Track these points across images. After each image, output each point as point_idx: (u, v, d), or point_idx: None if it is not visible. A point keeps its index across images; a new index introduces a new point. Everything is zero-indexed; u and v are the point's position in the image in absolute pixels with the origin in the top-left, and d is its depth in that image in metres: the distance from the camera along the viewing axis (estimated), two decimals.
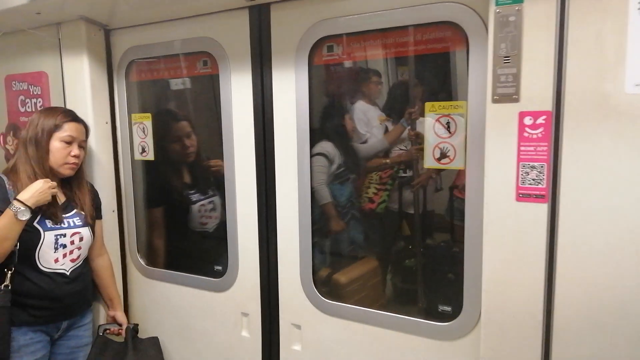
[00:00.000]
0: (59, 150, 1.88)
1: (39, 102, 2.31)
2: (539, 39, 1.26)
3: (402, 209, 2.16)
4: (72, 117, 1.95)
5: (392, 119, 1.98)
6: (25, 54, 2.30)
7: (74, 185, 2.00)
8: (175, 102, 2.36)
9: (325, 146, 2.01)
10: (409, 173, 2.11)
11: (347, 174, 2.13)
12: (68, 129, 1.90)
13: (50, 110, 1.95)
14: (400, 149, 2.04)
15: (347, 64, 1.84)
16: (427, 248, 2.10)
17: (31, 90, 2.32)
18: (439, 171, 1.89)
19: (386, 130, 2.03)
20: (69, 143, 1.90)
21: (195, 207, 2.38)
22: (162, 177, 2.43)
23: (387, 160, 2.11)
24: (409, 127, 1.86)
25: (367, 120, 2.10)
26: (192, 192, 2.41)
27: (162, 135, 2.32)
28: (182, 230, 2.43)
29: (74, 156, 1.90)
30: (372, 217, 2.18)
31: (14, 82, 2.37)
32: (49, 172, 1.87)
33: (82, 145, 1.97)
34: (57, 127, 1.88)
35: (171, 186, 2.44)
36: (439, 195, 2.02)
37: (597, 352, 1.28)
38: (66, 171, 1.91)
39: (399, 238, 2.25)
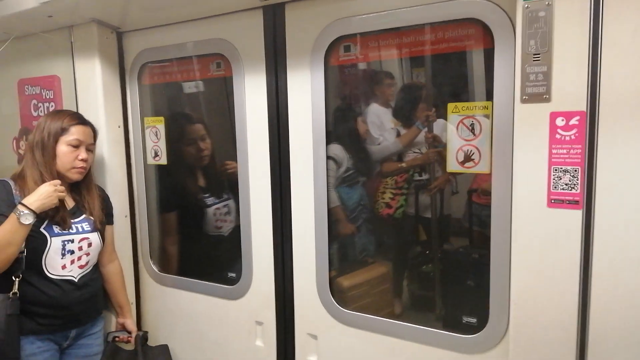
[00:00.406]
0: (65, 155, 1.84)
1: (52, 106, 2.29)
2: (571, 35, 1.18)
3: (419, 214, 2.09)
4: (79, 120, 1.91)
5: (406, 122, 1.91)
6: (37, 57, 2.28)
7: (82, 190, 1.96)
8: (189, 105, 2.32)
9: (334, 149, 1.96)
10: (425, 177, 2.05)
11: (356, 177, 2.07)
12: (75, 132, 1.86)
13: (57, 114, 1.91)
14: (415, 152, 1.98)
15: (362, 65, 1.78)
16: (445, 254, 2.03)
17: (44, 94, 2.30)
18: (455, 175, 1.81)
19: (398, 134, 1.97)
20: (76, 147, 1.86)
21: (211, 210, 2.33)
22: (176, 181, 2.39)
23: (403, 164, 2.05)
24: (425, 130, 1.79)
25: (381, 123, 2.04)
26: (207, 195, 2.36)
27: (177, 138, 2.29)
28: (196, 234, 2.39)
29: (82, 160, 1.86)
30: (390, 223, 2.11)
31: (27, 86, 2.35)
32: (57, 177, 1.83)
33: (91, 149, 1.92)
34: (63, 131, 1.84)
35: (185, 190, 2.40)
36: (455, 199, 1.95)
37: None
38: (74, 175, 1.87)
39: (416, 243, 2.18)
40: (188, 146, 2.29)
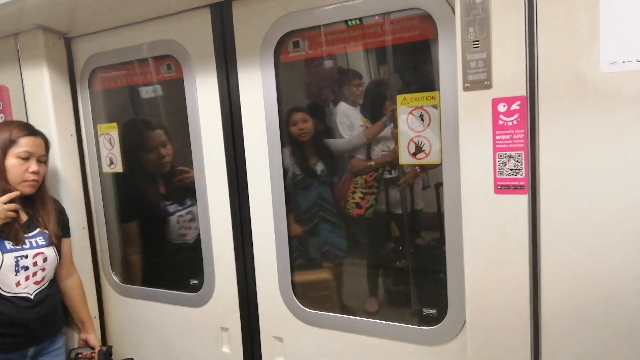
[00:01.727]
0: (15, 167, 1.76)
1: (1, 117, 2.21)
2: (508, 19, 1.18)
3: (390, 211, 2.09)
4: (29, 130, 1.84)
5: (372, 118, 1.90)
6: None
7: (36, 203, 1.88)
8: (143, 110, 2.27)
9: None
10: (394, 174, 2.04)
11: (306, 181, 2.07)
12: (24, 144, 1.78)
13: (5, 125, 1.84)
14: (384, 151, 1.97)
15: (313, 60, 1.76)
16: (417, 248, 2.03)
17: None
18: (423, 168, 1.81)
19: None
20: (26, 159, 1.78)
21: (174, 218, 2.28)
22: (135, 189, 2.33)
23: (372, 163, 2.04)
24: (392, 125, 1.79)
25: (347, 120, 2.04)
26: (169, 202, 2.31)
27: (135, 145, 2.23)
28: (159, 243, 2.33)
29: (33, 172, 1.79)
30: (361, 222, 2.10)
31: None
32: (8, 191, 1.76)
33: (42, 160, 1.85)
34: (12, 143, 1.77)
35: (146, 198, 2.34)
36: (426, 194, 1.95)
37: (587, 348, 1.20)
38: (26, 189, 1.80)
39: (388, 240, 2.17)
40: (149, 153, 2.24)
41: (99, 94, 2.20)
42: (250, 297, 1.93)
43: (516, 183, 1.21)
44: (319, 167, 2.13)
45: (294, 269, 1.85)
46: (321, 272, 2.09)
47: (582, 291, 1.18)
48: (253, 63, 1.74)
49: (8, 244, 1.75)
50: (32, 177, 1.79)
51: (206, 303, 2.03)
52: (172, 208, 2.30)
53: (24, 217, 1.85)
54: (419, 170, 1.88)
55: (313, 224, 2.08)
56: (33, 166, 1.79)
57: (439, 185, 1.79)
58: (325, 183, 2.12)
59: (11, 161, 1.77)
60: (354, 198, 2.08)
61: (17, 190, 1.77)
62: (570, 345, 1.22)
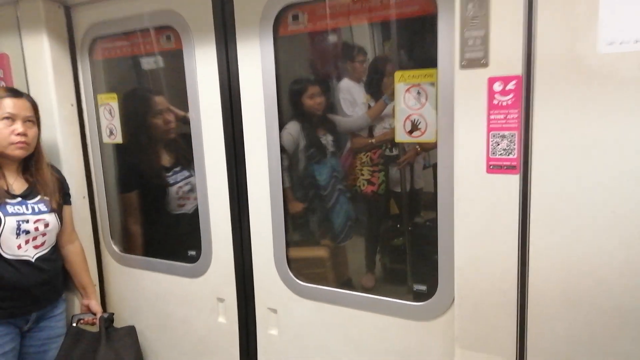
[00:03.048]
0: (0, 130, 1.75)
1: (2, 84, 2.21)
2: None
3: (389, 188, 2.10)
4: (11, 92, 1.81)
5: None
6: None
7: (33, 170, 1.89)
8: (143, 81, 2.26)
9: (289, 127, 1.93)
10: (395, 152, 2.04)
11: (318, 154, 2.05)
12: (6, 106, 1.76)
13: None
14: (384, 128, 1.97)
15: (313, 34, 1.74)
16: (414, 226, 2.04)
17: None
18: (424, 147, 1.81)
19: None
20: (11, 120, 1.76)
21: (173, 189, 2.30)
22: (135, 159, 2.34)
23: (373, 140, 2.04)
24: (392, 103, 1.77)
25: (354, 98, 2.02)
26: (169, 174, 2.32)
27: (140, 112, 2.22)
28: (158, 214, 2.35)
29: (19, 134, 1.76)
30: (374, 199, 2.11)
31: None
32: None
33: (31, 120, 1.82)
34: None
35: (146, 169, 2.35)
36: (426, 173, 1.95)
37: (573, 328, 1.22)
38: (15, 152, 1.78)
39: (387, 218, 2.19)
40: (154, 118, 2.22)
41: (99, 63, 2.20)
42: (246, 269, 1.96)
43: (508, 163, 1.22)
44: (329, 140, 2.13)
45: (289, 242, 1.87)
46: (319, 249, 2.11)
47: (570, 272, 1.19)
48: (252, 36, 1.72)
49: (10, 208, 1.78)
50: (18, 138, 1.76)
51: (203, 274, 2.07)
52: (172, 179, 2.31)
53: (22, 185, 1.87)
54: (419, 149, 1.88)
55: (333, 198, 2.09)
56: (18, 127, 1.77)
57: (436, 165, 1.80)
58: (336, 157, 2.13)
59: None
60: (362, 175, 2.09)
61: (7, 154, 1.77)
62: (556, 325, 1.24)
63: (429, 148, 1.82)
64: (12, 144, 1.77)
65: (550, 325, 1.25)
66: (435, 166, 1.80)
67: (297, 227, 2.07)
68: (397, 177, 2.08)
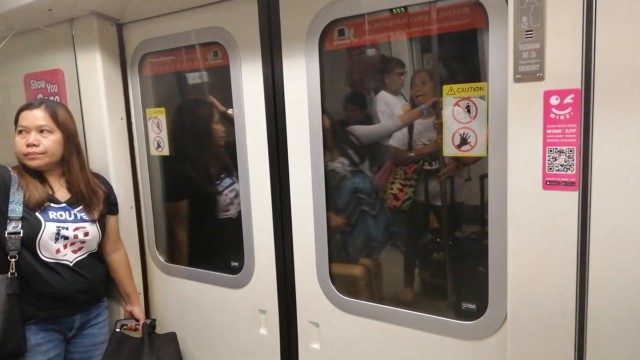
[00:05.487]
0: (17, 143, 1.84)
1: (57, 99, 2.31)
2: (564, 9, 1.13)
3: (429, 202, 2.06)
4: (27, 106, 1.88)
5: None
6: (41, 52, 2.30)
7: (71, 180, 1.92)
8: (190, 96, 2.32)
9: None
10: (435, 165, 2.01)
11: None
12: (20, 120, 1.85)
13: None
14: (424, 144, 1.94)
15: (359, 48, 1.75)
16: (456, 241, 1.99)
17: (49, 88, 2.33)
18: (462, 161, 1.77)
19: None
20: (26, 132, 1.83)
21: (222, 196, 2.33)
22: (187, 169, 2.37)
23: (412, 154, 2.02)
24: (429, 113, 1.75)
25: (392, 110, 2.01)
26: (218, 182, 2.35)
27: (196, 120, 2.26)
28: (205, 220, 2.38)
29: (29, 145, 1.81)
30: (396, 214, 2.08)
31: (32, 80, 2.38)
32: (23, 167, 1.86)
33: (47, 130, 1.84)
34: (15, 124, 1.86)
35: (197, 177, 2.38)
36: (468, 186, 1.91)
37: (637, 356, 1.16)
38: (29, 162, 1.83)
39: (426, 231, 2.15)
40: (215, 124, 2.24)
41: (148, 79, 2.27)
42: (288, 282, 1.97)
43: (566, 179, 1.17)
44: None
45: (332, 256, 1.86)
46: (357, 267, 2.09)
47: (633, 294, 1.13)
48: (298, 51, 1.74)
49: (52, 214, 1.84)
50: (28, 150, 1.81)
51: (245, 285, 2.08)
52: (220, 186, 2.34)
53: (67, 193, 1.92)
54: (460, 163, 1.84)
55: (355, 215, 2.08)
56: (28, 138, 1.81)
57: (483, 178, 1.76)
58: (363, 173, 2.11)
59: (16, 138, 1.85)
60: (392, 189, 2.07)
61: (26, 165, 1.85)
62: (617, 351, 1.18)
63: (470, 162, 1.78)
64: (25, 155, 1.83)
65: (611, 351, 1.19)
66: (481, 178, 1.77)
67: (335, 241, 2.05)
68: (437, 190, 2.04)
